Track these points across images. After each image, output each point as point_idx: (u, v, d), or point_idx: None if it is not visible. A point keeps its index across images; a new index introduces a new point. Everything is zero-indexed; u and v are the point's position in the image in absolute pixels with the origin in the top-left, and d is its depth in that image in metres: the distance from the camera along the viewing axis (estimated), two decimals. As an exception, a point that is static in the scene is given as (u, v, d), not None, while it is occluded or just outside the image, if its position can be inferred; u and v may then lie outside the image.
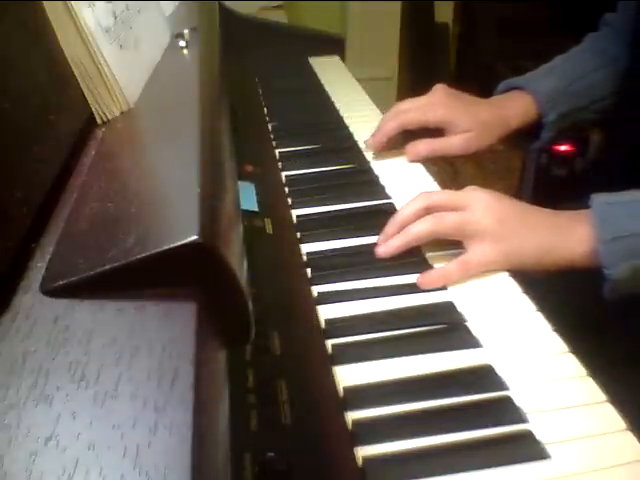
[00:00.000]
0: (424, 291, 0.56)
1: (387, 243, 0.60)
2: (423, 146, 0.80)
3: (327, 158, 0.82)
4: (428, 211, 0.59)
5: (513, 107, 0.82)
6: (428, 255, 0.61)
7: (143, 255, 0.30)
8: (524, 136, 0.85)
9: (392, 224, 0.60)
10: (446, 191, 0.62)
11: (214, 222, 0.33)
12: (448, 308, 0.54)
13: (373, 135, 0.82)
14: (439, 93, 0.81)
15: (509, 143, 0.86)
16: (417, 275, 0.57)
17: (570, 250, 0.56)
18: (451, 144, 0.79)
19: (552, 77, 0.84)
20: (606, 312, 0.68)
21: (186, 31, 0.67)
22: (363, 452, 0.41)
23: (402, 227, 0.59)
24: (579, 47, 0.89)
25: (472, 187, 0.61)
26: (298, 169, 0.79)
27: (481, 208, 0.58)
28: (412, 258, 0.60)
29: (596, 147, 1.68)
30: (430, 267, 0.59)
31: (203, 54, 0.63)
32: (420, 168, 0.79)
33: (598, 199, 0.56)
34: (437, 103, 0.79)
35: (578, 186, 0.59)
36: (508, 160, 2.17)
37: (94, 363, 0.27)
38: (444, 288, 0.56)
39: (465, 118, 0.79)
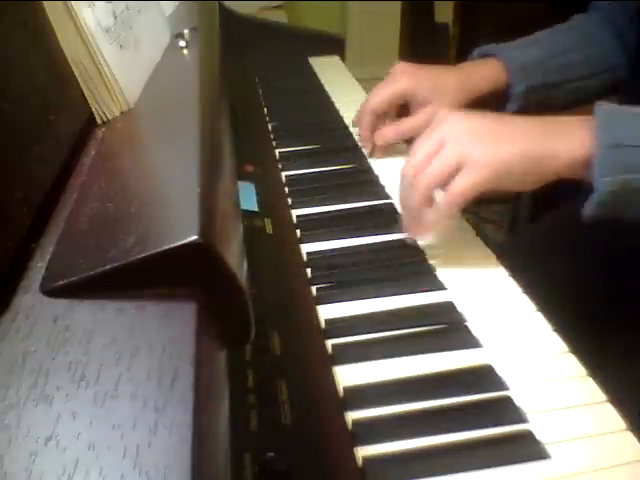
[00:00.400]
0: (424, 291, 0.56)
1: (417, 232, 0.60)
2: (389, 131, 0.80)
3: (327, 158, 0.82)
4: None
5: (480, 74, 0.80)
6: (429, 254, 0.61)
7: (143, 255, 0.30)
8: (490, 106, 0.82)
9: (406, 215, 0.61)
10: (421, 148, 0.58)
11: (214, 222, 0.33)
12: (448, 308, 0.54)
13: (362, 140, 0.83)
14: (400, 66, 0.81)
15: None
16: (417, 275, 0.57)
17: (562, 156, 0.53)
18: (416, 122, 0.77)
19: (530, 49, 0.81)
20: (606, 312, 0.68)
21: (186, 31, 0.67)
22: (363, 452, 0.41)
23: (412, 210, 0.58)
24: (564, 25, 0.87)
25: (442, 116, 0.59)
26: (298, 169, 0.79)
27: (455, 134, 0.55)
28: (412, 258, 0.60)
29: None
30: (430, 266, 0.59)
31: (203, 54, 0.63)
32: (420, 168, 0.79)
33: (603, 105, 0.53)
34: (399, 73, 0.80)
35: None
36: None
37: (94, 363, 0.27)
38: (444, 288, 0.56)
39: (427, 85, 0.78)
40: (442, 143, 0.56)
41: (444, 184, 0.56)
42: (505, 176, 0.54)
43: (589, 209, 0.52)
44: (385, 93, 0.79)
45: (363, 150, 0.84)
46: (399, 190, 0.61)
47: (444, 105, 0.77)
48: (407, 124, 0.79)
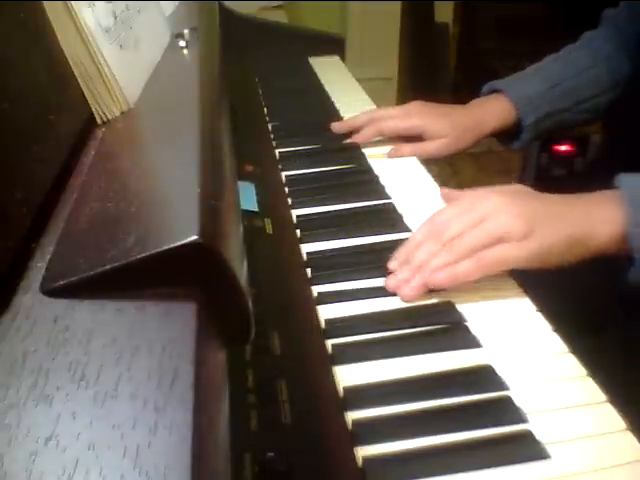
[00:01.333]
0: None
1: (411, 285, 0.54)
2: (407, 149, 0.83)
3: (327, 158, 0.82)
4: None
5: (490, 111, 0.84)
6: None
7: (143, 255, 0.30)
8: (505, 137, 0.87)
9: (408, 265, 0.55)
10: (455, 210, 0.57)
11: (214, 222, 0.33)
12: (448, 308, 0.54)
13: (355, 137, 0.86)
14: (414, 104, 0.85)
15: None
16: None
17: (601, 234, 0.53)
18: (430, 148, 0.82)
19: (535, 79, 0.85)
20: (606, 312, 0.68)
21: (186, 31, 0.67)
22: (363, 452, 0.41)
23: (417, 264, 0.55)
24: (573, 45, 0.90)
25: (476, 192, 0.58)
26: (298, 169, 0.79)
27: (498, 210, 0.54)
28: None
29: (596, 147, 1.68)
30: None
31: (203, 54, 0.63)
32: (420, 168, 0.79)
33: (626, 180, 0.54)
34: (412, 113, 0.84)
35: (578, 186, 0.58)
36: (508, 160, 2.18)
37: (94, 363, 0.27)
38: (444, 288, 0.56)
39: (440, 124, 0.82)
40: (484, 217, 0.54)
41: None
42: (546, 256, 0.53)
43: (634, 279, 0.54)
44: (399, 126, 0.84)
45: (363, 150, 0.84)
46: (411, 246, 0.57)
47: (460, 141, 0.82)
48: (422, 147, 0.83)
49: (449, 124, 0.82)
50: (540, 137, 0.87)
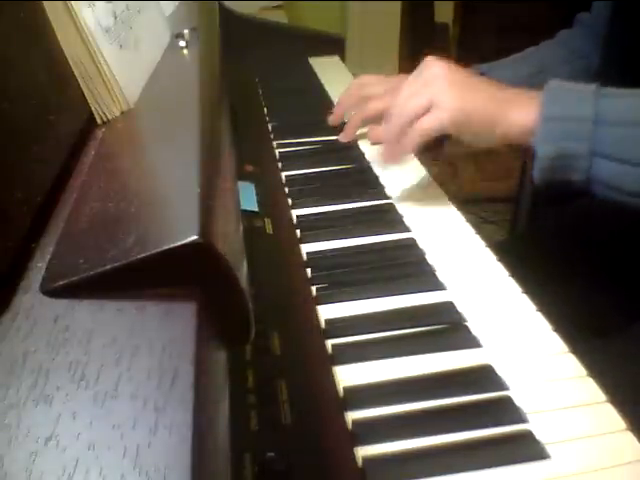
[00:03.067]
0: (424, 291, 0.56)
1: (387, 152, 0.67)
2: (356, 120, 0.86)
3: (327, 158, 0.82)
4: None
5: None
6: (429, 254, 0.61)
7: (143, 255, 0.30)
8: None
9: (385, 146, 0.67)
10: (406, 88, 0.66)
11: (214, 222, 0.33)
12: (448, 308, 0.54)
13: (344, 132, 0.87)
14: (399, 78, 0.85)
15: None
16: (417, 275, 0.58)
17: (512, 122, 0.59)
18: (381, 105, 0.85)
19: (516, 66, 0.88)
20: (606, 311, 0.68)
21: (186, 31, 0.67)
22: (363, 452, 0.41)
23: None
24: (550, 41, 0.92)
25: (429, 61, 0.66)
26: (298, 169, 0.79)
27: (435, 81, 0.63)
28: (412, 258, 0.60)
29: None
30: (430, 266, 0.59)
31: (203, 54, 0.63)
32: (420, 168, 0.79)
33: (553, 82, 0.59)
34: (397, 88, 0.83)
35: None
36: (508, 160, 2.17)
37: (94, 363, 0.27)
38: (444, 288, 0.56)
39: None
40: (424, 84, 0.64)
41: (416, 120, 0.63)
42: (463, 125, 0.62)
43: (535, 174, 0.59)
44: (377, 104, 0.84)
45: (361, 148, 0.84)
46: (383, 124, 0.69)
47: None
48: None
49: None
50: None
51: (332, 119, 0.90)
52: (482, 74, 0.86)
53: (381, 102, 0.83)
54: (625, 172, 0.55)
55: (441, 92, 0.62)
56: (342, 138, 0.86)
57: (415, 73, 0.67)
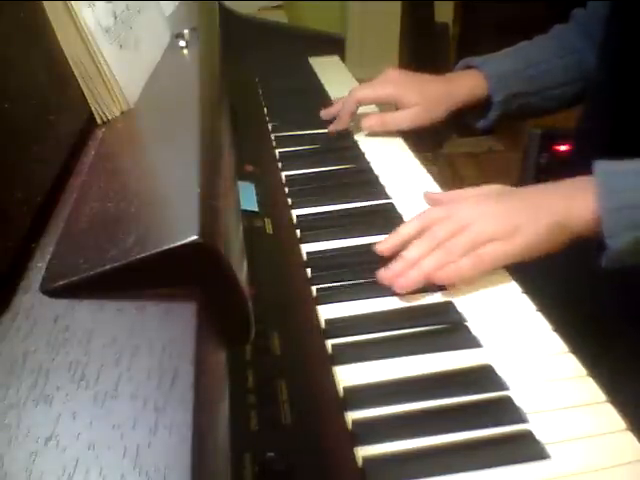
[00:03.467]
0: (424, 291, 0.56)
1: (407, 277, 0.55)
2: (374, 120, 0.87)
3: (327, 158, 0.82)
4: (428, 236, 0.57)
5: (462, 84, 0.87)
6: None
7: (143, 255, 0.30)
8: (473, 114, 0.90)
9: (402, 259, 0.56)
10: (441, 213, 0.59)
11: (214, 222, 0.33)
12: (448, 308, 0.54)
13: (337, 121, 0.88)
14: (390, 72, 0.88)
15: (459, 120, 0.91)
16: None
17: (578, 219, 0.55)
18: (400, 117, 0.86)
19: (508, 59, 0.88)
20: (606, 311, 0.68)
21: (186, 31, 0.67)
22: (363, 452, 0.41)
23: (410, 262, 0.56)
24: (544, 35, 0.93)
25: (454, 195, 0.63)
26: (298, 169, 0.79)
27: (477, 217, 0.56)
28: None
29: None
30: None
31: (203, 54, 0.63)
32: (420, 168, 0.79)
33: (601, 167, 0.56)
34: (388, 81, 0.87)
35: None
36: (508, 160, 2.18)
37: (94, 363, 0.27)
38: (444, 288, 0.56)
39: (412, 93, 0.85)
40: (466, 224, 0.56)
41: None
42: (534, 246, 0.56)
43: (606, 263, 0.55)
44: (373, 94, 0.87)
45: (363, 150, 0.84)
46: (401, 239, 0.58)
47: (431, 111, 0.85)
48: (392, 117, 0.87)
49: (420, 94, 0.85)
50: (505, 119, 0.89)
51: (324, 113, 0.92)
52: (475, 67, 0.88)
53: (374, 90, 0.86)
54: None
55: (497, 227, 0.56)
56: (324, 114, 0.91)
57: (439, 209, 0.60)
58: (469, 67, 0.89)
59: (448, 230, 0.56)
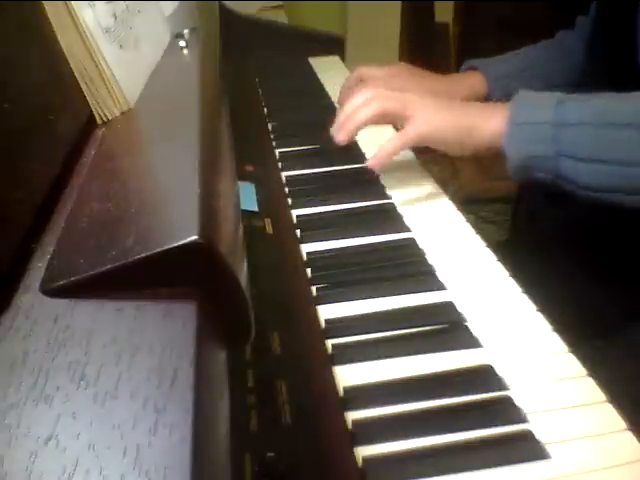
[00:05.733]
0: (424, 291, 0.56)
1: (344, 128, 0.70)
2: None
3: (327, 158, 0.82)
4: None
5: (463, 83, 0.91)
6: (429, 254, 0.61)
7: (143, 255, 0.30)
8: None
9: (341, 114, 0.71)
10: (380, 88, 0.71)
11: (214, 222, 0.33)
12: (448, 308, 0.54)
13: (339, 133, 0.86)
14: (398, 67, 0.92)
15: None
16: (417, 275, 0.58)
17: (484, 131, 0.64)
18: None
19: (509, 61, 0.91)
20: (606, 312, 0.68)
21: (186, 31, 0.67)
22: (363, 452, 0.41)
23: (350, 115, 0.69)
24: (548, 40, 0.95)
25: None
26: (298, 169, 0.79)
27: (415, 91, 0.69)
28: (412, 258, 0.60)
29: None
30: (430, 266, 0.59)
31: (203, 54, 0.63)
32: (420, 168, 0.79)
33: (523, 93, 0.64)
34: (395, 76, 0.90)
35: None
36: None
37: (94, 363, 0.27)
38: (444, 288, 0.56)
39: (416, 88, 0.86)
40: (402, 97, 0.69)
41: (388, 115, 0.69)
42: (440, 137, 0.67)
43: (510, 174, 0.63)
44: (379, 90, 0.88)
45: (361, 148, 0.84)
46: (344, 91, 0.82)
47: None
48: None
49: (423, 90, 0.86)
50: None
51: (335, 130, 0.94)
52: (473, 68, 0.91)
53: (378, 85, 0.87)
54: (594, 170, 0.58)
55: (419, 103, 0.68)
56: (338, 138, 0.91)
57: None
58: (472, 68, 0.91)
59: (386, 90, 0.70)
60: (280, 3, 2.03)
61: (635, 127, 0.57)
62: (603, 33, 0.78)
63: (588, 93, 0.62)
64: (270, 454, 0.37)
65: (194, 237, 0.30)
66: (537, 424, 0.43)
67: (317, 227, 0.66)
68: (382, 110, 0.68)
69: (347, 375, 0.47)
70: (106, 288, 0.31)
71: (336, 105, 1.00)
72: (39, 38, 0.44)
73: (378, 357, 0.48)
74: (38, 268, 0.33)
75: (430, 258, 0.60)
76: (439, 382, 0.46)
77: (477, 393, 0.45)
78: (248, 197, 0.66)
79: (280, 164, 0.81)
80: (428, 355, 0.49)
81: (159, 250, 0.30)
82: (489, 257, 0.61)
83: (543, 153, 0.60)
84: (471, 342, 0.50)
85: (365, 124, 0.70)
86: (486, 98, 0.88)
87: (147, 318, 0.30)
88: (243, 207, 0.61)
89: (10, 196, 0.33)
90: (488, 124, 0.64)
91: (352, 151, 0.84)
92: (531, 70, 0.89)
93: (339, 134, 0.71)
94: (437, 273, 0.58)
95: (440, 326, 0.52)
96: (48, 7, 0.44)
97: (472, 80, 0.90)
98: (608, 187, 0.58)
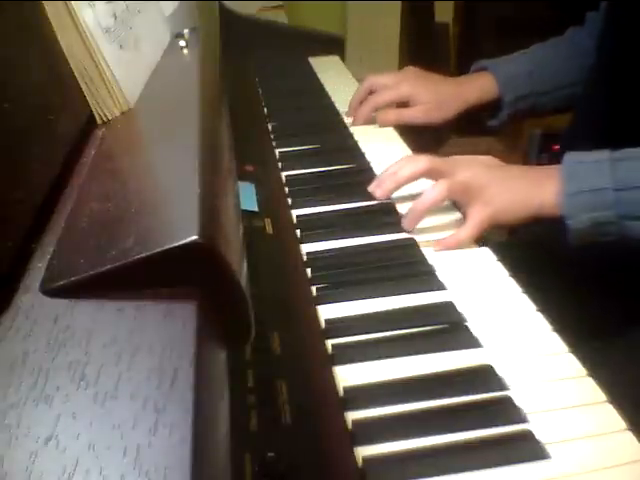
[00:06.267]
0: (424, 291, 0.56)
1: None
2: (392, 115, 0.92)
3: (327, 158, 0.82)
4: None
5: (474, 84, 0.91)
6: (429, 254, 0.61)
7: (143, 255, 0.30)
8: (484, 113, 0.94)
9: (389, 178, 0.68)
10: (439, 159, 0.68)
11: (214, 222, 0.33)
12: (448, 308, 0.54)
13: (354, 119, 0.93)
14: (407, 71, 0.93)
15: (470, 119, 0.95)
16: (417, 275, 0.58)
17: (540, 201, 0.62)
18: (414, 113, 0.91)
19: (518, 61, 0.92)
20: (606, 312, 0.68)
21: (186, 31, 0.67)
22: (363, 452, 0.41)
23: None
24: (557, 38, 0.95)
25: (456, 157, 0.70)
26: (298, 169, 0.79)
27: (475, 171, 0.65)
28: (412, 258, 0.60)
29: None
30: (430, 266, 0.59)
31: (203, 54, 0.63)
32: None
33: (568, 157, 0.62)
34: (404, 80, 0.91)
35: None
36: (508, 160, 2.17)
37: (94, 363, 0.27)
38: (444, 288, 0.56)
39: (425, 92, 0.90)
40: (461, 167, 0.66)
41: (453, 195, 0.65)
42: (502, 216, 0.64)
43: (571, 242, 0.61)
44: (389, 97, 0.91)
45: (362, 150, 0.84)
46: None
47: (443, 110, 0.90)
48: (407, 112, 0.91)
49: (433, 92, 0.89)
50: (516, 118, 0.93)
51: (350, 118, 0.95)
52: (484, 69, 0.91)
53: (392, 91, 0.90)
54: None
55: (485, 181, 0.64)
56: (353, 124, 0.93)
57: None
58: (482, 69, 0.92)
59: (444, 165, 0.66)
60: (280, 3, 2.03)
61: None
62: (613, 32, 0.77)
63: (632, 148, 0.60)
64: (270, 454, 0.37)
65: (194, 237, 0.30)
66: (537, 424, 0.43)
67: (317, 227, 0.66)
68: (446, 198, 0.65)
69: (347, 375, 0.47)
70: (106, 288, 0.31)
71: (336, 105, 1.01)
72: (39, 38, 0.44)
73: (378, 357, 0.48)
74: (38, 268, 0.33)
75: (430, 258, 0.60)
76: (439, 382, 0.46)
77: (477, 393, 0.45)
78: (248, 197, 0.66)
79: (280, 164, 0.81)
80: (428, 355, 0.49)
81: (159, 250, 0.30)
82: (489, 257, 0.61)
83: (607, 219, 0.59)
84: (471, 342, 0.50)
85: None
86: (497, 99, 0.89)
87: (147, 318, 0.30)
88: (243, 207, 0.61)
89: (10, 196, 0.33)
90: (540, 195, 0.62)
91: (352, 151, 0.84)
92: (541, 69, 0.89)
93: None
94: (437, 273, 0.58)
95: (440, 326, 0.52)
96: (48, 7, 0.44)
97: (482, 81, 0.90)
98: None
